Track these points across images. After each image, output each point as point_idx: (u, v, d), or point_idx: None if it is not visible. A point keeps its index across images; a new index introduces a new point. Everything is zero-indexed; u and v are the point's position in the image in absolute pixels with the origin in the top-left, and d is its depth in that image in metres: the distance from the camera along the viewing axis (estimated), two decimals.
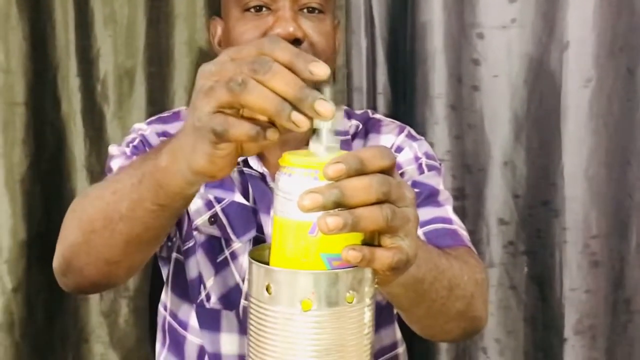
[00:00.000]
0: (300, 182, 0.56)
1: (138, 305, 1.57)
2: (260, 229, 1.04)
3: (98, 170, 1.53)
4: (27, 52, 1.47)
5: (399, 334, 1.15)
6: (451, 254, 0.89)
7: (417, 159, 1.09)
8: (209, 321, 1.05)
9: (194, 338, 1.07)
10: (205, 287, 1.05)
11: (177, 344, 1.10)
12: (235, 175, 1.05)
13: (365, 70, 1.52)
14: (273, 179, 1.02)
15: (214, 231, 1.04)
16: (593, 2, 1.35)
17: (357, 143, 1.12)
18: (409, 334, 1.12)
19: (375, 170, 0.56)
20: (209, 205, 1.04)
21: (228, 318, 1.04)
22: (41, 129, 1.50)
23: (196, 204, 1.04)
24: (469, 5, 1.43)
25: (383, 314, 1.10)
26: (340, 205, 0.54)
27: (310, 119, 0.56)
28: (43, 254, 1.47)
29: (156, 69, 1.56)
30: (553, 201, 1.42)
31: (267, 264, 0.59)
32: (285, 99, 0.56)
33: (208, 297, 1.05)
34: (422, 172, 1.08)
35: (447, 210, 1.04)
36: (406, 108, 1.50)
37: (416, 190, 1.03)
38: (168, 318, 1.12)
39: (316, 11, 1.00)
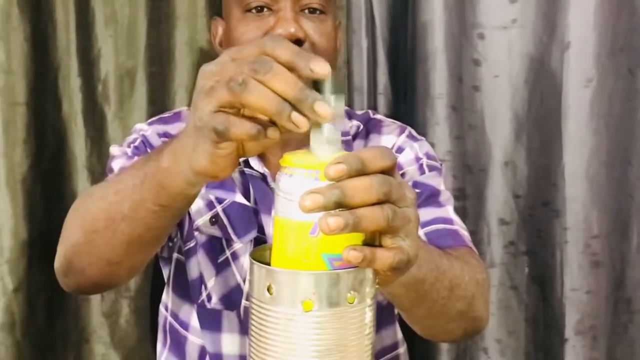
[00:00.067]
0: (301, 183, 0.56)
1: (139, 305, 1.57)
2: (261, 229, 1.04)
3: (99, 170, 1.53)
4: (28, 52, 1.47)
5: (399, 334, 1.15)
6: (452, 255, 0.89)
7: (418, 159, 1.09)
8: (210, 321, 1.05)
9: (195, 338, 1.07)
10: (206, 288, 1.05)
11: (178, 344, 1.10)
12: (236, 175, 1.05)
13: (366, 71, 1.52)
14: (274, 180, 1.03)
15: (215, 231, 1.04)
16: (594, 2, 1.35)
17: (358, 143, 1.12)
18: (409, 334, 1.12)
19: (376, 170, 0.56)
20: (210, 205, 1.04)
21: (229, 318, 1.04)
22: (42, 129, 1.50)
23: (197, 205, 1.04)
24: (469, 6, 1.43)
25: (384, 314, 1.10)
26: (341, 205, 0.54)
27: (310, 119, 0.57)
28: (44, 254, 1.47)
29: (157, 69, 1.56)
30: (554, 201, 1.42)
31: (268, 264, 0.59)
32: (285, 100, 0.56)
33: (209, 298, 1.05)
34: (423, 172, 1.08)
35: (448, 210, 1.04)
36: (407, 108, 1.50)
37: (417, 190, 1.03)
38: (169, 318, 1.12)
39: (317, 12, 1.00)
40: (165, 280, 1.13)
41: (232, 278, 1.04)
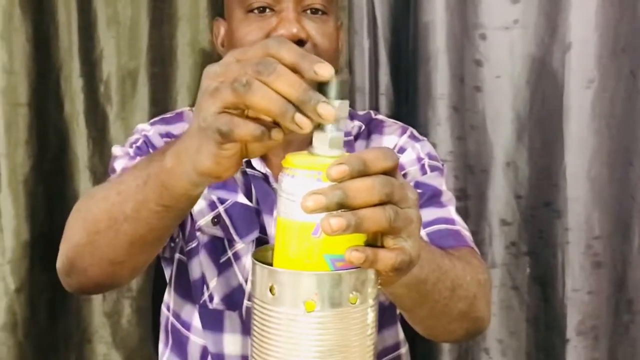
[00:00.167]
0: (303, 184, 0.57)
1: (141, 305, 1.57)
2: (263, 229, 1.04)
3: (101, 170, 1.53)
4: (30, 53, 1.47)
5: (401, 335, 1.15)
6: (454, 255, 0.89)
7: (419, 159, 1.09)
8: (212, 322, 1.06)
9: (197, 338, 1.07)
10: (208, 288, 1.05)
11: (180, 345, 1.10)
12: (238, 176, 1.06)
13: (368, 71, 1.52)
14: (276, 180, 1.03)
15: (217, 232, 1.04)
16: (595, 3, 1.35)
17: (360, 144, 1.12)
18: (411, 335, 1.12)
19: (378, 171, 0.56)
20: (212, 206, 1.04)
21: (231, 318, 1.05)
22: (44, 129, 1.50)
23: (199, 205, 1.04)
24: (471, 6, 1.43)
25: (386, 315, 1.10)
26: (343, 206, 0.54)
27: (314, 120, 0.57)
28: (46, 254, 1.47)
29: (159, 70, 1.56)
30: (555, 202, 1.42)
31: (271, 265, 0.59)
32: (289, 101, 0.56)
33: (211, 298, 1.05)
34: (424, 172, 1.08)
35: (450, 210, 1.04)
36: (408, 109, 1.50)
37: (419, 191, 1.03)
38: (171, 318, 1.12)
39: (319, 12, 1.00)
40: (167, 280, 1.13)
41: (234, 278, 1.04)
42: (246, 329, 1.04)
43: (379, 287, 0.60)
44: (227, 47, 1.06)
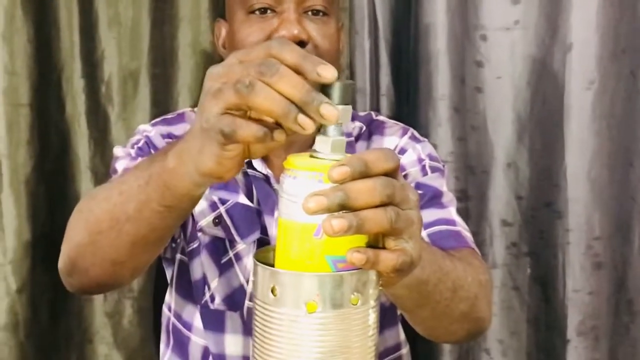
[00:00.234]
0: (305, 185, 0.57)
1: (142, 306, 1.57)
2: (264, 230, 1.04)
3: (102, 171, 1.53)
4: (32, 53, 1.47)
5: (402, 335, 1.16)
6: (455, 256, 0.89)
7: (420, 160, 1.09)
8: (213, 322, 1.06)
9: (198, 339, 1.08)
10: (209, 288, 1.05)
11: (181, 345, 1.10)
12: (239, 177, 1.06)
13: (369, 72, 1.52)
14: (277, 181, 1.03)
15: (218, 232, 1.04)
16: (596, 4, 1.35)
17: (361, 145, 1.12)
18: (412, 335, 1.12)
19: (380, 172, 0.56)
20: (213, 206, 1.04)
21: (232, 319, 1.05)
22: (46, 130, 1.51)
23: (201, 206, 1.04)
24: (472, 7, 1.43)
25: (387, 316, 1.10)
26: (344, 207, 0.55)
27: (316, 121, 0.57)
28: (47, 254, 1.47)
29: (160, 71, 1.56)
30: (556, 202, 1.42)
31: (272, 266, 0.60)
32: (291, 102, 0.56)
33: (212, 298, 1.05)
34: (425, 173, 1.08)
35: (451, 211, 1.04)
36: (409, 109, 1.51)
37: (420, 192, 1.03)
38: (172, 319, 1.12)
39: (320, 14, 1.00)
40: (168, 281, 1.13)
41: (236, 279, 1.04)
42: (247, 329, 1.04)
43: (380, 288, 0.60)
44: (229, 48, 1.06)
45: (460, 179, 1.47)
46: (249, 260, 1.04)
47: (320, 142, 0.59)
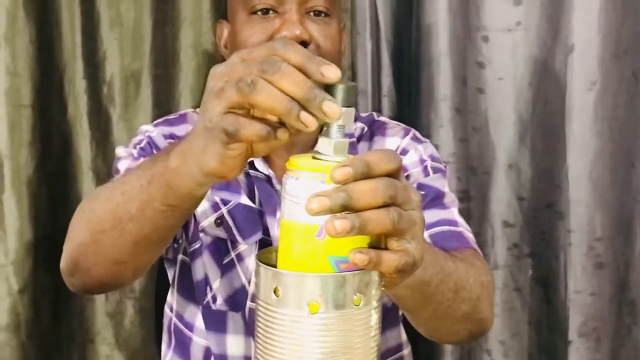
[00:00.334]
0: (307, 186, 0.57)
1: (144, 306, 1.57)
2: (266, 231, 1.04)
3: (104, 172, 1.54)
4: (34, 54, 1.47)
5: (404, 336, 1.16)
6: (457, 257, 0.89)
7: (422, 161, 1.09)
8: (215, 322, 1.06)
9: (200, 339, 1.08)
10: (211, 289, 1.05)
11: (182, 345, 1.10)
12: (241, 177, 1.06)
13: (370, 73, 1.52)
14: (279, 181, 1.03)
15: (220, 233, 1.05)
16: (598, 5, 1.35)
17: (363, 146, 1.12)
18: (413, 336, 1.12)
19: (382, 173, 0.56)
20: (215, 207, 1.04)
21: (234, 319, 1.05)
22: (47, 131, 1.51)
23: (203, 206, 1.04)
24: (474, 8, 1.43)
25: (388, 316, 1.10)
26: (347, 208, 0.55)
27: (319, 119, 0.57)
28: (49, 255, 1.47)
29: (162, 72, 1.56)
30: (557, 203, 1.42)
31: (275, 266, 0.60)
32: (294, 99, 0.56)
33: (214, 299, 1.05)
34: (427, 174, 1.08)
35: (453, 212, 1.04)
36: (411, 110, 1.51)
37: (422, 192, 1.03)
38: (174, 319, 1.12)
39: (322, 14, 1.00)
40: (170, 281, 1.13)
41: (237, 279, 1.04)
42: (249, 330, 1.04)
43: (383, 288, 0.61)
44: (231, 49, 1.06)
45: (462, 180, 1.47)
46: (250, 261, 1.04)
47: (322, 143, 0.59)
